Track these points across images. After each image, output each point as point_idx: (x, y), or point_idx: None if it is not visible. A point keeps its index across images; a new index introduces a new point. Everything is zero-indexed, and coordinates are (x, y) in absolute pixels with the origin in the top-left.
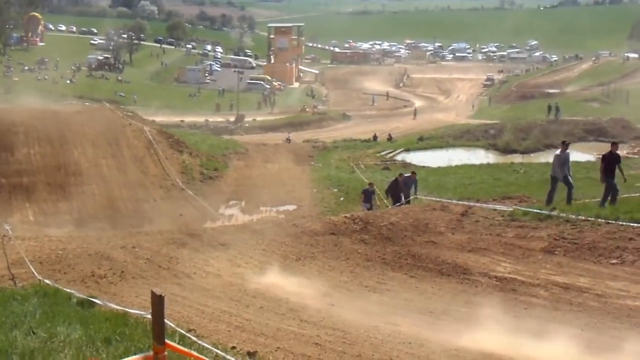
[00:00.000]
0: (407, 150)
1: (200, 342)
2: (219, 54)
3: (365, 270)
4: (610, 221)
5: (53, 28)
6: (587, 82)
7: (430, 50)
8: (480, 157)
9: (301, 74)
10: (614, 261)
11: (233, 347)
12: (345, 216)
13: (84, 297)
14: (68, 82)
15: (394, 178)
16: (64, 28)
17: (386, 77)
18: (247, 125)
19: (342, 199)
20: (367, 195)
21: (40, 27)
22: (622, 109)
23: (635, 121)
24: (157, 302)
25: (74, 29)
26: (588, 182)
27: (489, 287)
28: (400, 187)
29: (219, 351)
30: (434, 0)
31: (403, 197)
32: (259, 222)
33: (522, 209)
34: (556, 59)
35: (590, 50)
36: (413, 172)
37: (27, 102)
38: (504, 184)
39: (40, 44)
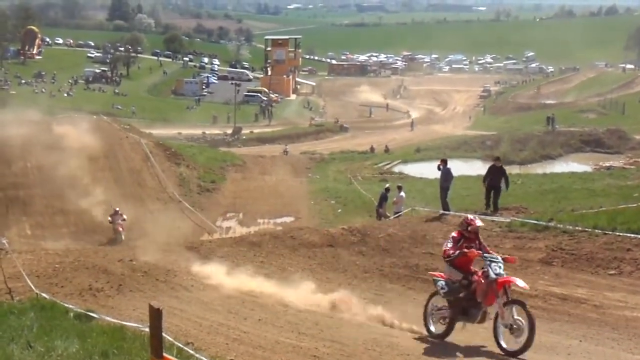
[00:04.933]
0: (405, 161)
1: (198, 355)
2: (216, 66)
3: (363, 282)
4: (607, 232)
5: (50, 41)
6: (583, 93)
7: (427, 61)
8: (477, 168)
9: (298, 86)
10: (612, 272)
11: None
12: (343, 228)
13: (82, 310)
14: (65, 95)
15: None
16: (61, 41)
17: (384, 88)
18: (244, 137)
19: (339, 210)
20: (381, 200)
21: (37, 40)
22: (618, 120)
23: (632, 132)
24: (155, 315)
25: (71, 42)
26: (586, 193)
27: None
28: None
29: None
30: (431, 12)
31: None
32: (257, 235)
33: (520, 220)
34: (552, 70)
35: (587, 62)
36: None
37: (24, 115)
38: (502, 195)
39: (38, 57)
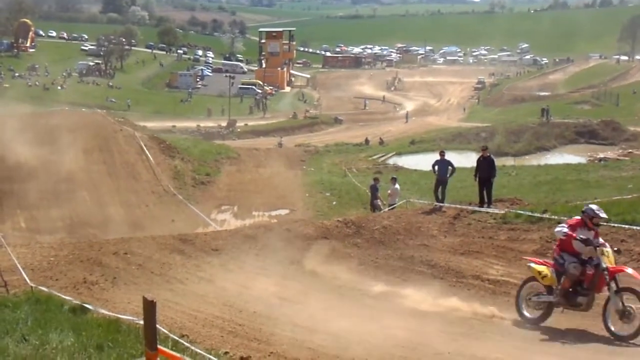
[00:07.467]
0: (399, 154)
1: (193, 347)
2: (210, 59)
3: (358, 274)
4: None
5: (44, 34)
6: (578, 84)
7: (422, 54)
8: (472, 160)
9: (293, 79)
10: None
11: (226, 353)
12: (338, 220)
13: (76, 303)
14: (59, 88)
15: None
16: (54, 34)
17: (378, 81)
18: (238, 130)
19: (334, 203)
20: (374, 191)
21: (30, 33)
22: (612, 111)
23: (626, 123)
24: (149, 308)
25: (65, 35)
26: (580, 185)
27: (481, 290)
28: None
29: (211, 357)
30: (425, 4)
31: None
32: (252, 227)
33: (514, 211)
34: (547, 61)
35: (581, 53)
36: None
37: (18, 108)
38: (496, 186)
39: (31, 50)
